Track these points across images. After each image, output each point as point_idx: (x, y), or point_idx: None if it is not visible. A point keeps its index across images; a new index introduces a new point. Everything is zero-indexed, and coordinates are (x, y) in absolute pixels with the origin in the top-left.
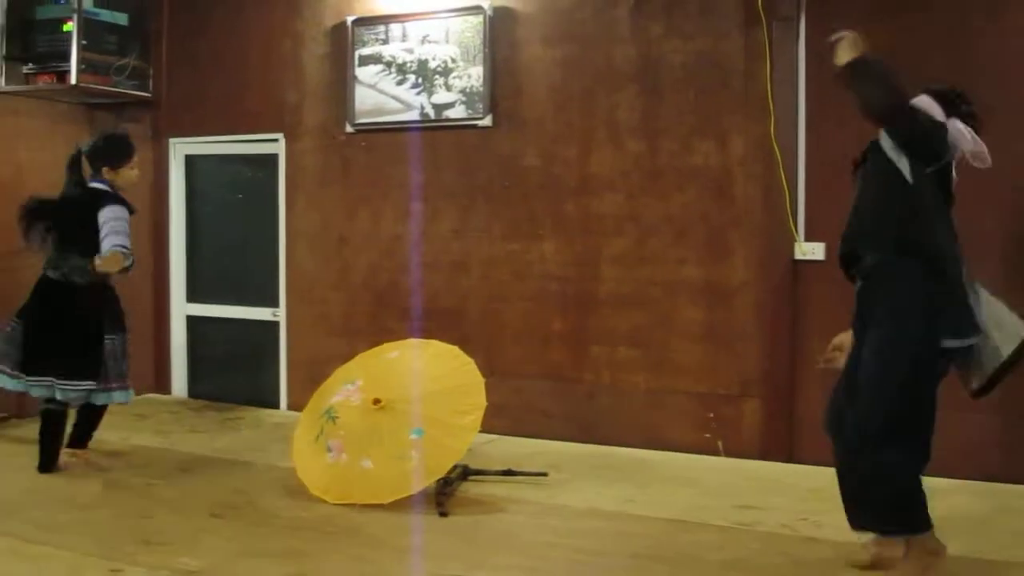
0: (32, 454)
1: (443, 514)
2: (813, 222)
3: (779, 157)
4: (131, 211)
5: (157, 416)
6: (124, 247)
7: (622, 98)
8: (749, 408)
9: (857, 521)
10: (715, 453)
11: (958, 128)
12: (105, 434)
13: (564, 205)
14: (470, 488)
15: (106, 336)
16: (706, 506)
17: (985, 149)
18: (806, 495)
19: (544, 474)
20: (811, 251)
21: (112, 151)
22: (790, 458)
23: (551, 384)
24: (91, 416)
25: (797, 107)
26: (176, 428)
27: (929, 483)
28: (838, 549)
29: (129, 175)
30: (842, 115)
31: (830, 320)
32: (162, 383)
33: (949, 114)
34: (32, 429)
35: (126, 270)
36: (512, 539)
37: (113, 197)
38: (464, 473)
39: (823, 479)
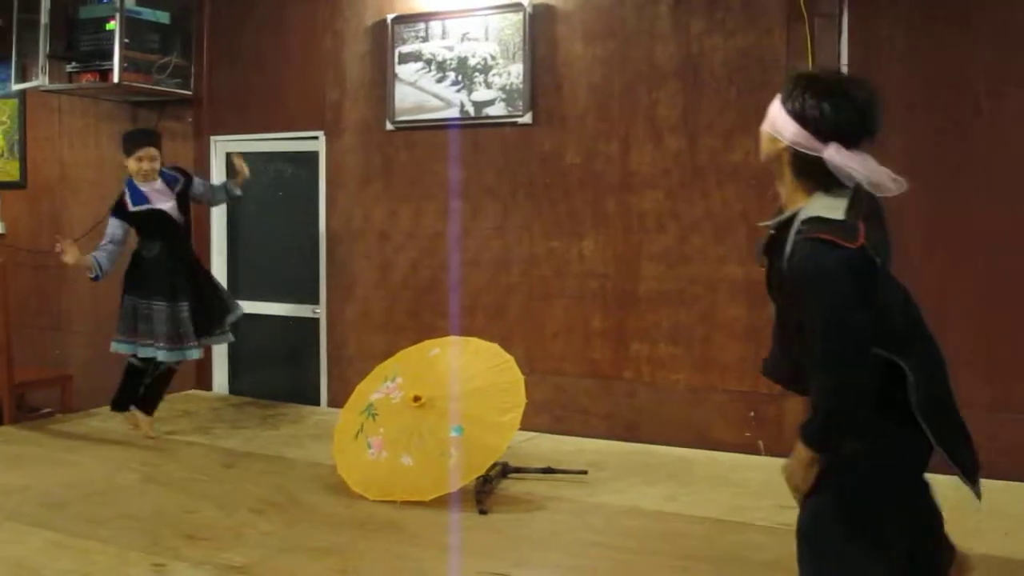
0: (76, 449)
1: (483, 512)
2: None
3: None
4: (124, 216)
5: (199, 412)
6: (94, 257)
7: (663, 95)
8: (791, 407)
9: None
10: (756, 452)
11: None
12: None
13: (605, 202)
14: (510, 486)
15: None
16: (748, 506)
17: (885, 177)
18: None
19: (584, 472)
20: None
21: (123, 142)
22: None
23: (591, 382)
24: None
25: None
26: (218, 424)
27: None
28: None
29: (132, 166)
30: (886, 111)
31: None
32: (204, 379)
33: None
34: (77, 424)
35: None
36: (553, 537)
37: (116, 202)
38: (504, 471)
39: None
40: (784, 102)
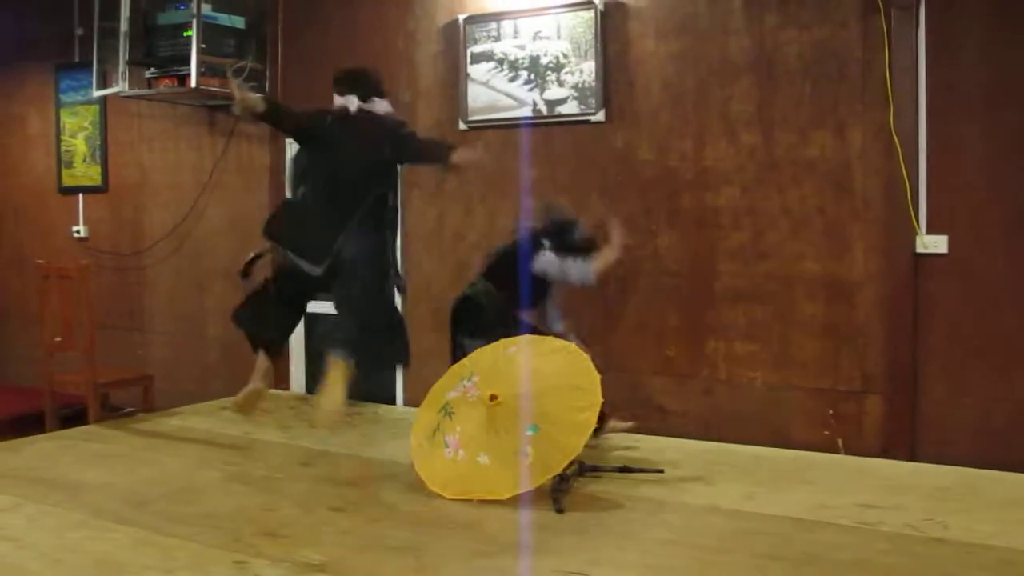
0: (158, 448)
1: (559, 511)
2: (935, 214)
3: (899, 148)
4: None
5: (278, 411)
6: None
7: (737, 90)
8: (870, 405)
9: None
10: (835, 451)
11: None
12: (228, 428)
13: (679, 199)
14: (586, 485)
15: None
16: (827, 505)
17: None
18: (931, 494)
19: (661, 471)
20: (933, 244)
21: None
22: (912, 456)
23: (667, 380)
24: None
25: (917, 97)
26: (296, 423)
27: None
28: (965, 551)
29: None
30: (965, 105)
31: (953, 314)
32: (281, 379)
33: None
34: (159, 423)
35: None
36: (630, 536)
37: None
38: (580, 469)
39: (948, 478)
40: None
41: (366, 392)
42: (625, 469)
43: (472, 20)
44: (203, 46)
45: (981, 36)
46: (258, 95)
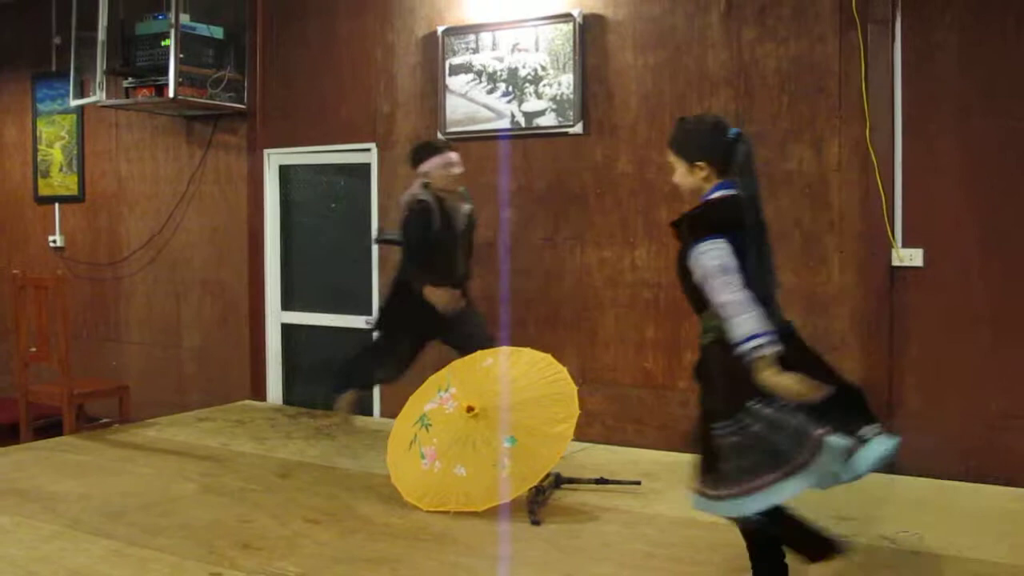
0: (134, 459)
1: (536, 522)
2: (911, 228)
3: (875, 162)
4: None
5: (254, 423)
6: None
7: (715, 103)
8: None
9: None
10: None
11: None
12: (204, 439)
13: (657, 211)
14: (563, 496)
15: None
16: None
17: None
18: (907, 506)
19: (638, 483)
20: (909, 257)
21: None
22: (890, 469)
23: (645, 392)
24: None
25: (894, 111)
26: (272, 434)
27: None
28: (941, 563)
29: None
30: (941, 118)
31: (929, 327)
32: (258, 390)
33: None
34: (134, 434)
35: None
36: (607, 548)
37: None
38: (557, 481)
39: (924, 490)
40: None
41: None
42: (602, 481)
43: (451, 32)
44: (181, 56)
45: (957, 50)
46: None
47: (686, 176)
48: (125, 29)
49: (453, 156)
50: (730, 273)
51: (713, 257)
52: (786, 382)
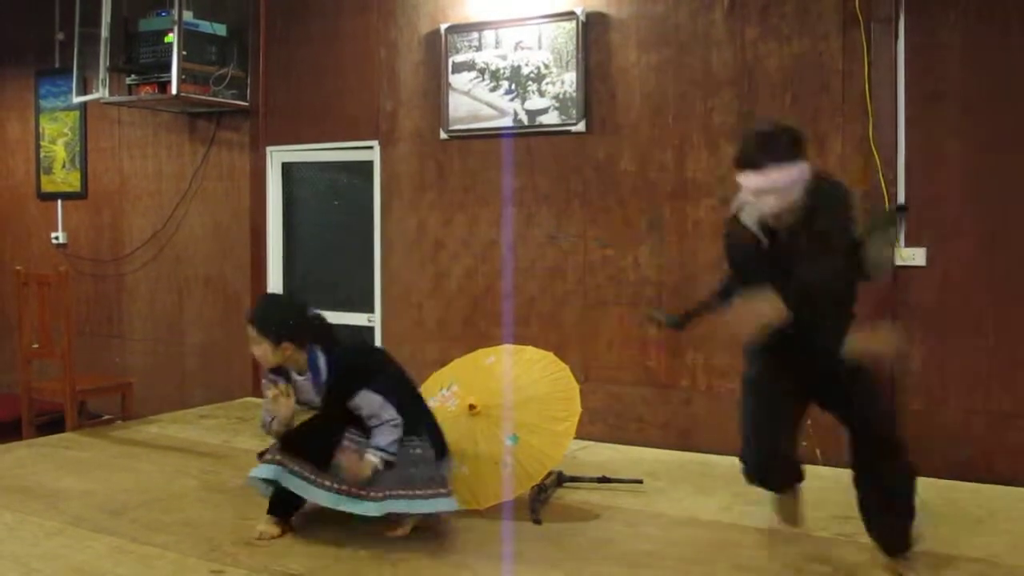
0: (136, 456)
1: (538, 521)
2: (913, 227)
3: (878, 160)
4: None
5: (256, 420)
6: None
7: (718, 102)
8: None
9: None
10: (813, 461)
11: None
12: (207, 436)
13: (660, 210)
14: (565, 495)
15: None
16: (805, 516)
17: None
18: None
19: (640, 481)
20: (911, 257)
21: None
22: None
23: (647, 390)
24: None
25: (897, 109)
26: None
27: None
28: (942, 562)
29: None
30: (944, 117)
31: (931, 326)
32: (260, 388)
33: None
34: (137, 431)
35: None
36: (609, 547)
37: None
38: (559, 480)
39: (925, 490)
40: None
41: None
42: (604, 479)
43: (454, 30)
44: (184, 53)
45: (960, 49)
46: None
47: None
48: (128, 26)
49: None
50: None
51: None
52: None
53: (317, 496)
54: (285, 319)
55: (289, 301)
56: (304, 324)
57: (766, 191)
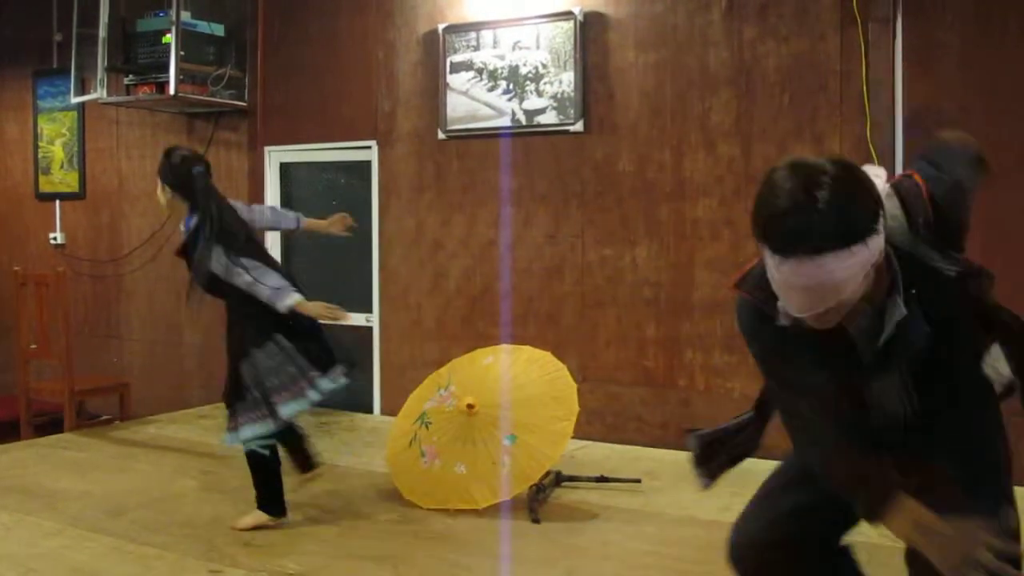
0: (134, 456)
1: (536, 520)
2: None
3: (876, 160)
4: None
5: None
6: None
7: (716, 102)
8: None
9: None
10: None
11: None
12: (205, 437)
13: (658, 210)
14: (563, 494)
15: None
16: None
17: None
18: None
19: (638, 481)
20: None
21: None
22: None
23: (645, 390)
24: None
25: (894, 109)
26: None
27: None
28: None
29: None
30: (940, 117)
31: None
32: None
33: None
34: (135, 431)
35: None
36: (607, 546)
37: None
38: (557, 479)
39: None
40: None
41: (342, 401)
42: (602, 479)
43: (452, 30)
44: (182, 53)
45: (958, 49)
46: None
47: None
48: (126, 26)
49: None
50: None
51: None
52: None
53: (301, 405)
54: (170, 164)
55: (184, 156)
56: (181, 175)
57: (820, 296)
